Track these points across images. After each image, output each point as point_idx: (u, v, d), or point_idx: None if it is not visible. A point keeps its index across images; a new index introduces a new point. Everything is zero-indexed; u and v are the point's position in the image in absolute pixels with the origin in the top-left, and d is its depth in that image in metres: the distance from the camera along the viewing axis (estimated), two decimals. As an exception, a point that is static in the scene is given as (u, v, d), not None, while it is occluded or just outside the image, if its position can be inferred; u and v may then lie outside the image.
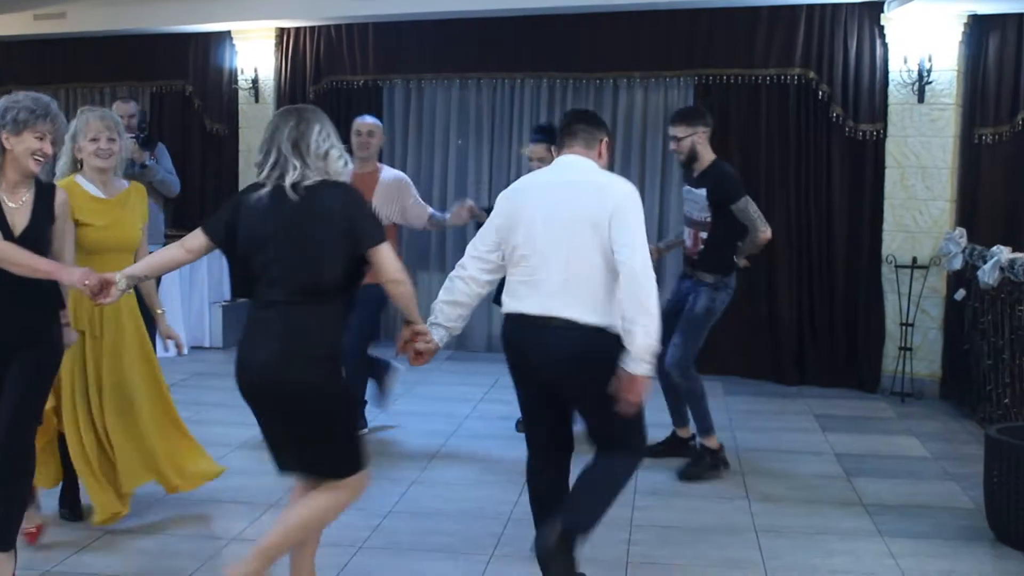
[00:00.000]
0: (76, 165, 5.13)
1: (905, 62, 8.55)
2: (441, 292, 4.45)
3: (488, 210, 6.65)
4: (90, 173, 5.10)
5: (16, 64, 11.31)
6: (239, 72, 10.69)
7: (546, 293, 4.22)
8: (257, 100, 10.63)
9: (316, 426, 3.90)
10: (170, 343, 5.28)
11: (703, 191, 6.36)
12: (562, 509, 4.23)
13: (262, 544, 3.95)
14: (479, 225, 6.74)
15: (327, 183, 3.91)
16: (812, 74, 8.95)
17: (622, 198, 4.23)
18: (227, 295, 10.43)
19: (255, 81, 10.61)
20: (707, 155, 6.43)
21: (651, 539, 5.21)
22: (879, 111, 8.77)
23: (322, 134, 3.93)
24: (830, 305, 9.08)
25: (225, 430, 6.98)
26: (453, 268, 4.53)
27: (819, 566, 4.96)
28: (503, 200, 4.48)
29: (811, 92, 8.98)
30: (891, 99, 8.70)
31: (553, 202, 4.29)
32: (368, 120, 7.14)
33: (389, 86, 10.43)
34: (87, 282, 4.06)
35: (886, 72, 8.70)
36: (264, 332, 3.88)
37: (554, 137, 6.67)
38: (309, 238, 3.84)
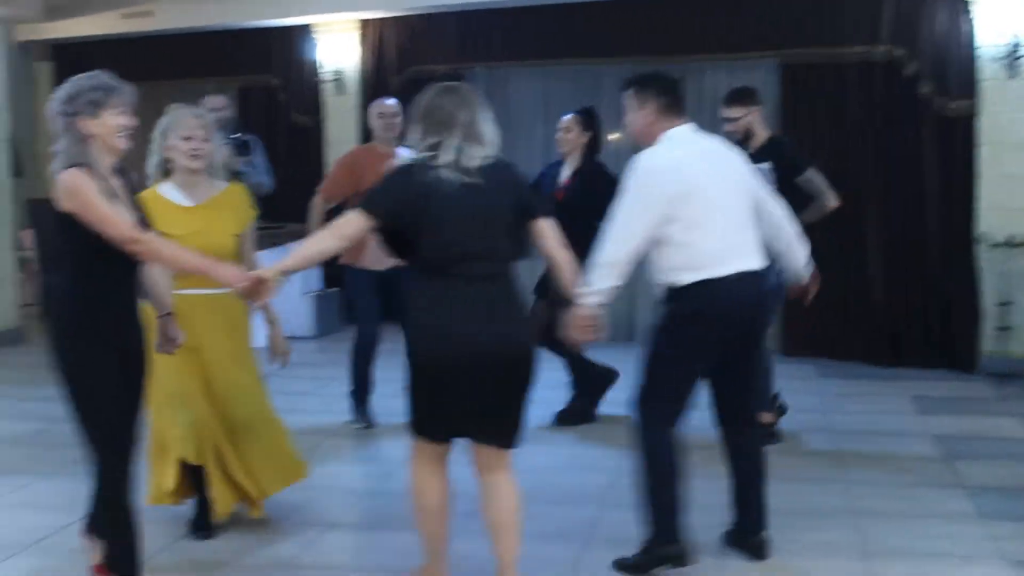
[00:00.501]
0: (165, 166, 4.93)
1: (996, 36, 8.40)
2: (611, 278, 4.40)
3: None
4: (180, 176, 4.89)
5: (103, 63, 11.29)
6: (322, 65, 10.82)
7: (745, 249, 4.58)
8: (341, 92, 10.74)
9: (524, 392, 4.13)
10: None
11: (766, 165, 6.42)
12: (757, 509, 4.82)
13: (508, 559, 4.20)
14: None
15: (495, 160, 4.07)
16: (900, 51, 8.81)
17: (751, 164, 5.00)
18: (317, 285, 10.55)
19: (339, 73, 10.72)
20: (762, 132, 6.65)
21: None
22: (969, 87, 8.61)
23: (490, 119, 4.11)
24: (924, 286, 8.94)
25: (315, 419, 7.10)
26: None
27: (918, 549, 4.91)
28: (669, 177, 4.43)
29: (898, 70, 8.84)
30: (982, 75, 8.54)
31: (719, 169, 4.59)
32: (393, 102, 7.24)
33: (471, 75, 10.44)
34: (241, 284, 4.04)
35: (976, 47, 8.54)
36: (477, 306, 3.97)
37: (591, 119, 6.99)
38: (500, 213, 4.03)
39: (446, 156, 3.97)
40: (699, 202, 4.42)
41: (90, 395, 3.98)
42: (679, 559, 4.57)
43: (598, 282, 4.36)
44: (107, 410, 3.99)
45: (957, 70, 8.65)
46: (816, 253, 7.20)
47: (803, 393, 7.79)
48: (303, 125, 11.07)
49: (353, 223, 4.01)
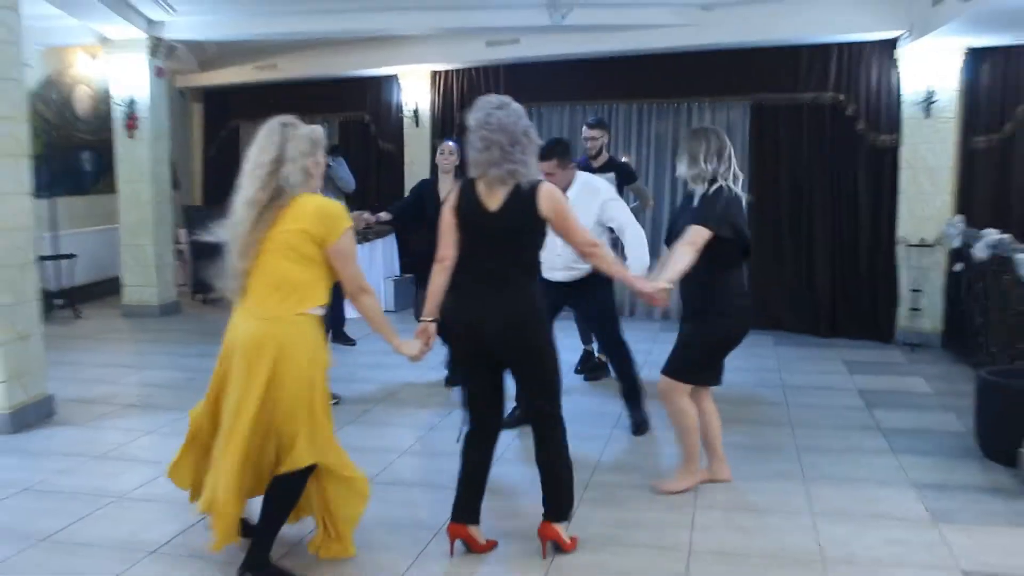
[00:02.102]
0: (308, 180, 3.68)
1: (915, 85, 8.39)
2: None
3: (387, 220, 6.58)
4: (312, 191, 3.72)
5: (240, 105, 11.70)
6: (404, 105, 10.87)
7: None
8: (417, 125, 10.79)
9: None
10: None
11: (611, 174, 6.91)
12: None
13: (721, 453, 4.83)
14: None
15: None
16: (842, 97, 8.80)
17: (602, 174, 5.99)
18: (397, 271, 10.70)
19: (416, 111, 10.77)
20: (606, 152, 7.13)
21: (703, 455, 5.07)
22: (895, 125, 8.59)
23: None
24: (857, 276, 8.92)
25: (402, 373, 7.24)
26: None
27: (846, 476, 4.98)
28: None
29: (841, 111, 8.82)
30: (904, 115, 8.51)
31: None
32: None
33: (516, 112, 10.45)
34: (649, 291, 4.08)
35: (900, 94, 8.53)
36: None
37: (461, 147, 6.73)
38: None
39: (737, 180, 4.39)
40: None
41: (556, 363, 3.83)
42: None
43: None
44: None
45: (886, 111, 8.62)
46: (777, 251, 7.26)
47: (763, 357, 7.86)
48: (388, 151, 11.12)
49: (702, 236, 4.25)
